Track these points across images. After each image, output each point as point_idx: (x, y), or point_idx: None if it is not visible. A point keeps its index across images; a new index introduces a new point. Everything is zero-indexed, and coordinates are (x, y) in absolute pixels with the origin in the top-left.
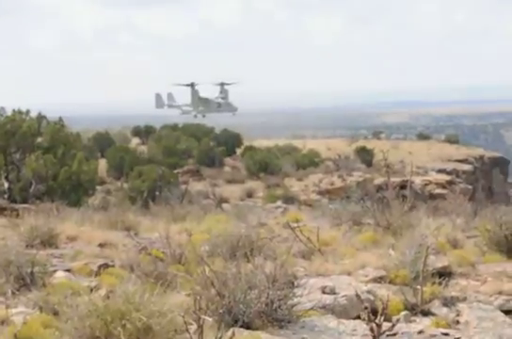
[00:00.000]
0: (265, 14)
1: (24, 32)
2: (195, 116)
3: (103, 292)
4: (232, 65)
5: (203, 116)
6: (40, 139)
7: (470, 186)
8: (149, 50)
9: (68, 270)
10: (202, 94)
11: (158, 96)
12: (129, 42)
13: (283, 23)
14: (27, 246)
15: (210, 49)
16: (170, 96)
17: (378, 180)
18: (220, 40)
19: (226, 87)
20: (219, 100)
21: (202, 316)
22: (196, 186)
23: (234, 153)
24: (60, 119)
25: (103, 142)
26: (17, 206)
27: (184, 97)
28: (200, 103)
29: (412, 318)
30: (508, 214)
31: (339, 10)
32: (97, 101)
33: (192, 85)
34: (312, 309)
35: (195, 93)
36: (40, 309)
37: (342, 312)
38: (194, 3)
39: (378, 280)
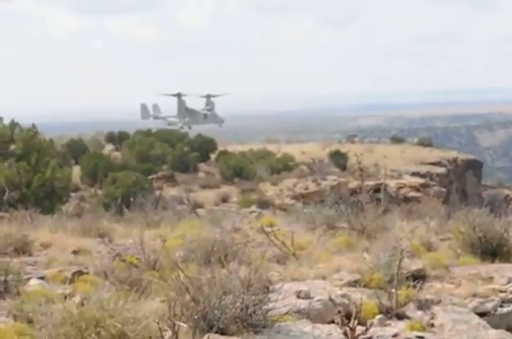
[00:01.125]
0: (236, 18)
1: None
2: (181, 127)
3: (77, 299)
4: (204, 69)
5: (189, 127)
6: (13, 147)
7: (443, 189)
8: (121, 55)
9: (42, 278)
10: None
11: (144, 107)
12: (102, 48)
13: (254, 26)
14: (0, 253)
15: (182, 53)
16: (156, 107)
17: (353, 183)
18: (192, 45)
19: (212, 99)
20: (205, 111)
21: (177, 323)
22: (170, 192)
23: (209, 158)
24: (33, 125)
25: (76, 149)
26: None
27: (166, 107)
28: (187, 114)
29: (387, 322)
30: (482, 216)
31: (309, 13)
32: (70, 107)
33: (179, 95)
34: (287, 314)
35: (181, 104)
36: (15, 317)
37: (317, 316)
38: (166, 10)
39: (353, 283)
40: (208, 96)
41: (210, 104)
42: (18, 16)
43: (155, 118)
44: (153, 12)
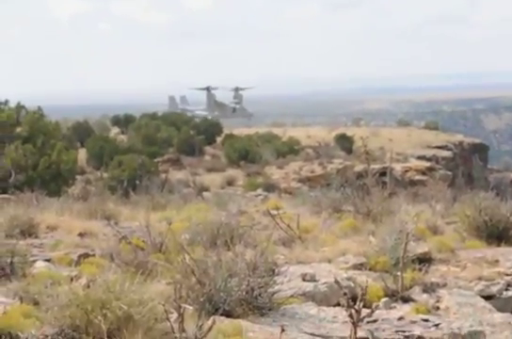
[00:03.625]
0: (240, 1)
1: None
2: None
3: (83, 281)
4: (206, 52)
5: (217, 121)
6: (19, 129)
7: (449, 173)
8: (128, 38)
9: (48, 260)
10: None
11: (172, 99)
12: (106, 30)
13: (259, 10)
14: (7, 236)
15: (189, 37)
16: (184, 99)
17: (358, 167)
18: (195, 28)
19: (240, 92)
20: (234, 105)
21: (183, 305)
22: (176, 175)
23: (214, 141)
24: (39, 108)
25: (82, 132)
26: None
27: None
28: (216, 107)
29: (392, 305)
30: (488, 200)
31: None
32: (75, 90)
33: (208, 89)
34: (292, 296)
35: (211, 97)
36: (21, 299)
37: (322, 299)
38: None
39: (359, 267)
40: (236, 89)
41: (238, 97)
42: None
43: (183, 110)
44: None
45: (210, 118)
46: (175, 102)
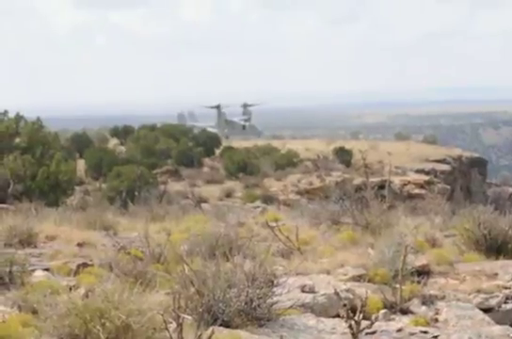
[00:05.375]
0: (238, 14)
1: None
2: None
3: (82, 291)
4: (204, 65)
5: (226, 137)
6: (18, 140)
7: (448, 186)
8: (122, 50)
9: (47, 269)
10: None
11: (181, 116)
12: (104, 43)
13: (256, 23)
14: (6, 245)
15: (185, 49)
16: (192, 115)
17: (357, 180)
18: (194, 41)
19: (250, 108)
20: (243, 122)
21: (182, 315)
22: (175, 187)
23: (213, 153)
24: (38, 119)
25: (81, 143)
26: None
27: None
28: (226, 125)
29: (391, 317)
30: (486, 213)
31: (312, 12)
32: (74, 102)
33: (218, 107)
34: (291, 307)
35: (221, 115)
36: (19, 308)
37: (321, 310)
38: (169, 5)
39: (357, 278)
40: (245, 105)
41: (247, 114)
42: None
43: (192, 127)
44: (156, 8)
45: (219, 135)
46: (184, 119)
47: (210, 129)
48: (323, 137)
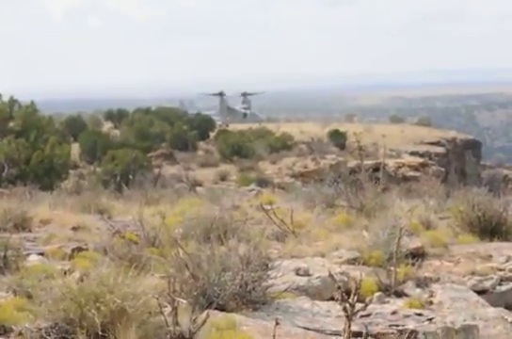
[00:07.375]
0: None
1: None
2: (220, 126)
3: (76, 275)
4: (200, 48)
5: (226, 125)
6: (12, 123)
7: (442, 169)
8: (117, 33)
9: (41, 254)
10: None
11: (181, 103)
12: (100, 26)
13: (252, 6)
14: (0, 229)
15: (178, 32)
16: (192, 103)
17: (352, 163)
18: (190, 24)
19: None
20: (244, 110)
21: (177, 298)
22: (169, 170)
23: (208, 136)
24: (32, 102)
25: (75, 126)
26: None
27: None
28: (228, 113)
29: (386, 299)
30: (481, 195)
31: None
32: (68, 85)
33: (221, 94)
34: (286, 291)
35: (223, 103)
36: (14, 292)
37: (316, 293)
38: None
39: (352, 261)
40: (244, 94)
41: (247, 103)
42: None
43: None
44: None
45: (220, 123)
46: (184, 106)
47: (212, 117)
48: (318, 119)
